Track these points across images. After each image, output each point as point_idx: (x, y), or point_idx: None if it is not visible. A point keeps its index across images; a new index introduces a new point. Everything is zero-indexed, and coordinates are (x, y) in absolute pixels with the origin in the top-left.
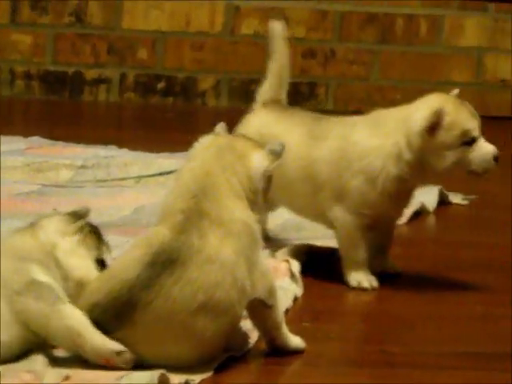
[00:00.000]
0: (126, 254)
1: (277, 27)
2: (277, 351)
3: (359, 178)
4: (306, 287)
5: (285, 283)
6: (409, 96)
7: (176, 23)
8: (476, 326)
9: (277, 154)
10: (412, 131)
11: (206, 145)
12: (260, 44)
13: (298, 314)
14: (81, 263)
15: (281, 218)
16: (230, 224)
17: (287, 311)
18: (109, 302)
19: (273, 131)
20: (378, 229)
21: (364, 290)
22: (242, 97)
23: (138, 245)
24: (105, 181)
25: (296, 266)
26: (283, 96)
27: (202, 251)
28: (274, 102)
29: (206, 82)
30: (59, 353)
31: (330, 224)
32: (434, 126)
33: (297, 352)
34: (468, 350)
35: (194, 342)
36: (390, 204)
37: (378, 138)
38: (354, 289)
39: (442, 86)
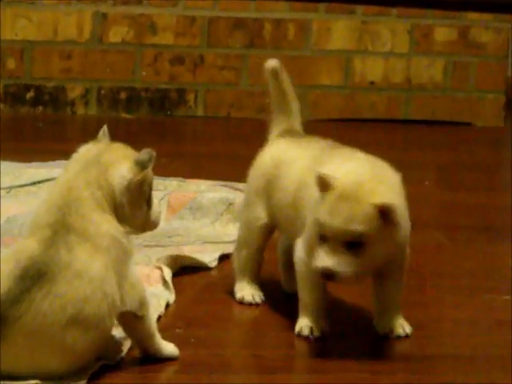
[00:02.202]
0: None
1: (274, 65)
2: (150, 358)
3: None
4: (178, 294)
5: (157, 290)
6: None
7: (44, 32)
8: (349, 329)
9: (143, 164)
10: None
11: (77, 157)
12: (128, 51)
13: (171, 321)
14: None
15: None
16: (97, 238)
17: (160, 318)
18: None
19: (288, 157)
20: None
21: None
22: (111, 105)
23: (6, 259)
24: None
25: (168, 273)
26: (298, 126)
27: (70, 266)
28: (289, 132)
29: (74, 91)
30: None
31: None
32: None
33: (171, 359)
34: (343, 351)
35: (65, 355)
36: None
37: None
38: (229, 295)
39: (313, 90)
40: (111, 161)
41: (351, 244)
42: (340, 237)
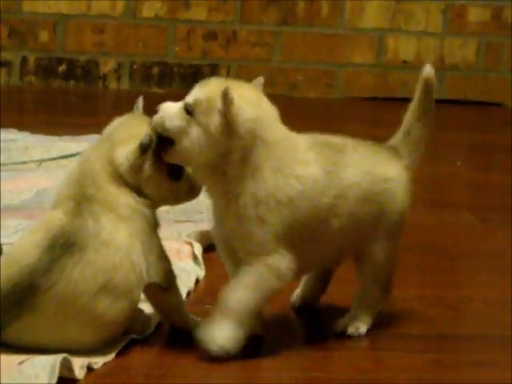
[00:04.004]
0: (24, 238)
1: (430, 74)
2: (179, 334)
3: None
4: (208, 269)
5: (188, 265)
6: (311, 77)
7: (77, 6)
8: (382, 308)
9: (144, 147)
10: None
11: (104, 130)
12: (161, 27)
13: (201, 297)
14: None
15: None
16: (119, 208)
17: (189, 293)
18: (9, 288)
19: None
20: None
21: None
22: (143, 80)
23: (35, 229)
24: (5, 164)
25: (199, 248)
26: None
27: (98, 235)
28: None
29: (107, 65)
30: None
31: None
32: None
33: None
34: (376, 330)
35: (95, 325)
36: None
37: None
38: None
39: (344, 68)
40: (120, 140)
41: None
42: None
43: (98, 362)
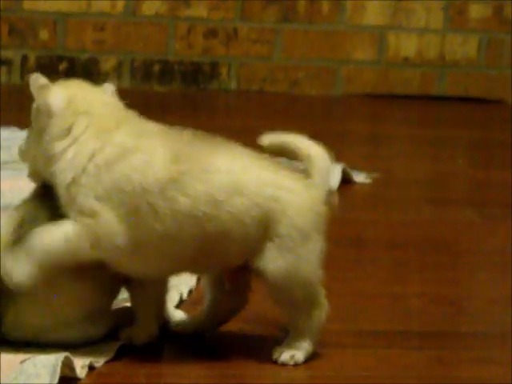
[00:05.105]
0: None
1: None
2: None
3: None
4: None
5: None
6: (312, 75)
7: (77, 4)
8: (383, 305)
9: None
10: None
11: None
12: (161, 24)
13: (202, 296)
14: None
15: None
16: None
17: (191, 292)
18: None
19: None
20: None
21: None
22: (144, 78)
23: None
24: (6, 163)
25: None
26: None
27: None
28: None
29: (107, 63)
30: None
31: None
32: None
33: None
34: (376, 328)
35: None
36: None
37: None
38: None
39: (346, 65)
40: None
41: None
42: None
43: (100, 361)
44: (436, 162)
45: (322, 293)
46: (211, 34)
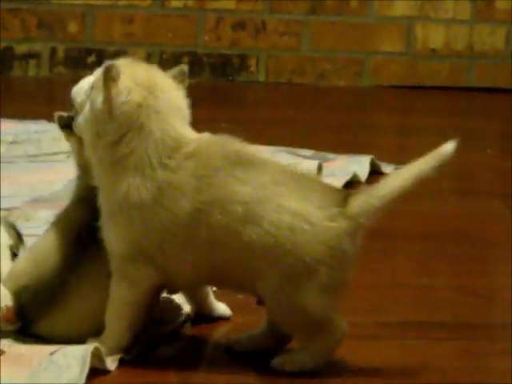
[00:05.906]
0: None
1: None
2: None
3: None
4: None
5: None
6: (339, 66)
7: None
8: (411, 296)
9: (60, 125)
10: None
11: None
12: (190, 16)
13: None
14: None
15: None
16: None
17: None
18: (39, 285)
19: None
20: None
21: None
22: None
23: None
24: (36, 156)
25: None
26: None
27: None
28: None
29: (136, 56)
30: None
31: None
32: None
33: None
34: (406, 319)
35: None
36: None
37: None
38: None
39: (373, 57)
40: None
41: None
42: None
43: (129, 354)
44: (465, 152)
45: (330, 320)
46: (239, 26)
